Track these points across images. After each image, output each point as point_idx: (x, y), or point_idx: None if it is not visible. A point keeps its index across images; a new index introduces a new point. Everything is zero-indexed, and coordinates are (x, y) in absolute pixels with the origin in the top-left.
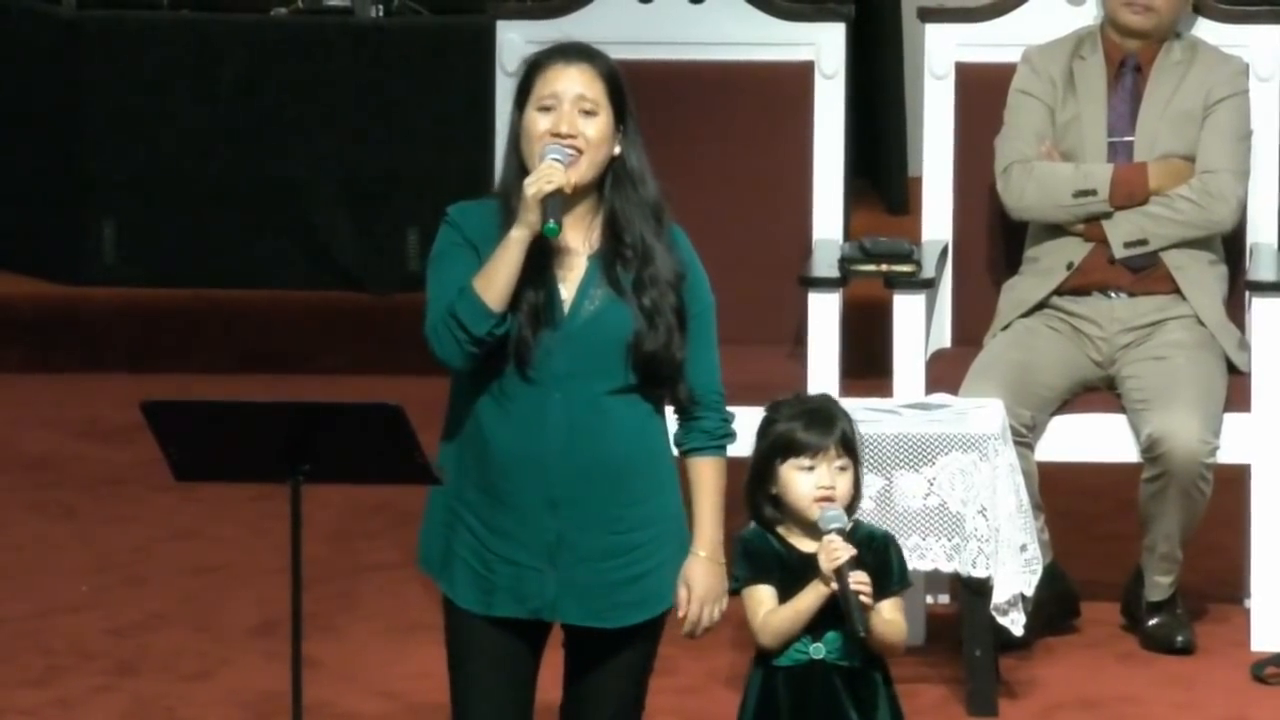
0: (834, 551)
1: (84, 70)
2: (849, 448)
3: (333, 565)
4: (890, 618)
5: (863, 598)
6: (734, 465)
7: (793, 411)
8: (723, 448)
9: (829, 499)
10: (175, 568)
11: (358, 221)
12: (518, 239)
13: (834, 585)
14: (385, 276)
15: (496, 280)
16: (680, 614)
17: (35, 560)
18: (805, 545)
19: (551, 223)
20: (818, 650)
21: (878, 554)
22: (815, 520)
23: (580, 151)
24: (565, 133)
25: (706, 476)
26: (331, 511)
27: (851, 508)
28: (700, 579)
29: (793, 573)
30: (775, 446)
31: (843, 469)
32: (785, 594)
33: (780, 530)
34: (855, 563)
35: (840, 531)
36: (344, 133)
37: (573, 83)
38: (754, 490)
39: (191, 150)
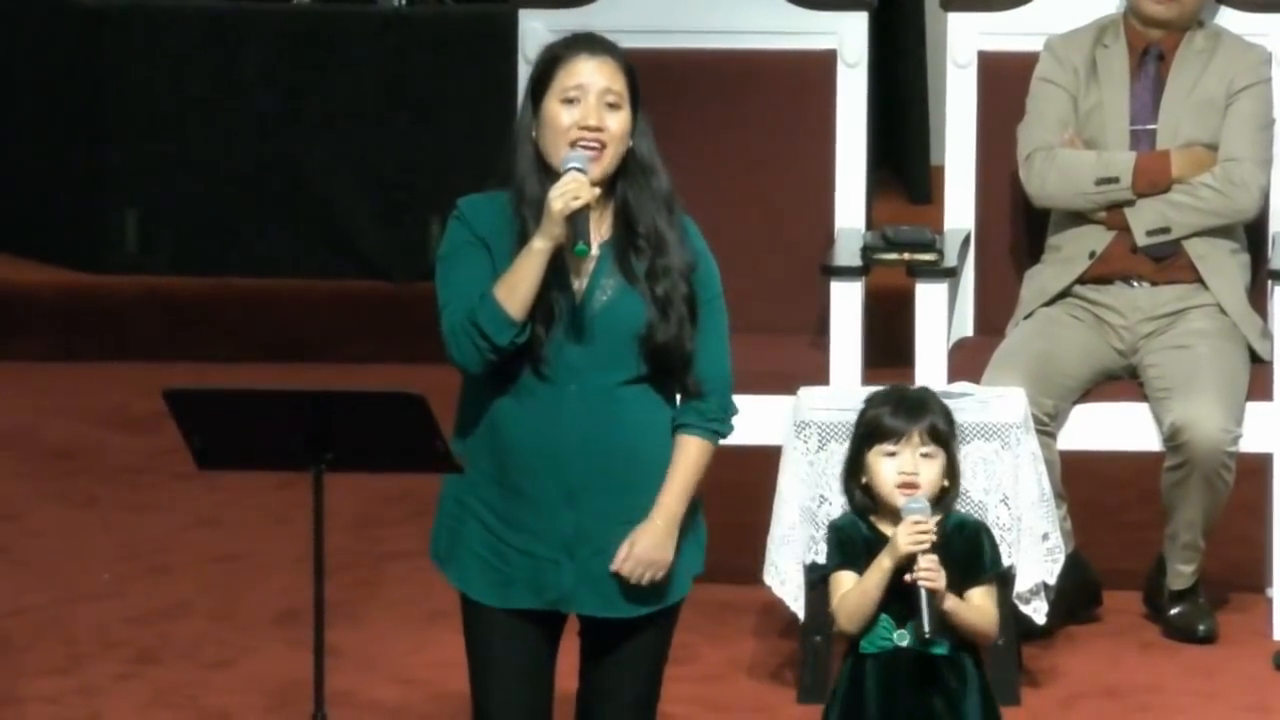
0: (916, 535)
1: (106, 58)
2: (937, 437)
3: (355, 554)
4: (980, 604)
5: (925, 583)
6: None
7: (883, 399)
8: (713, 433)
9: (911, 484)
10: (197, 556)
11: (380, 210)
12: (540, 249)
13: (902, 567)
14: (407, 265)
15: (518, 290)
16: (613, 566)
17: (58, 548)
18: (893, 532)
19: (582, 244)
20: (901, 637)
21: (969, 540)
22: (899, 508)
23: (604, 146)
24: (593, 125)
25: (687, 454)
26: (354, 500)
27: (945, 501)
28: (644, 540)
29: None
30: (863, 433)
31: (928, 456)
32: None
33: (872, 518)
34: (933, 552)
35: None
36: (366, 121)
37: (598, 75)
38: (848, 478)
39: (214, 139)
